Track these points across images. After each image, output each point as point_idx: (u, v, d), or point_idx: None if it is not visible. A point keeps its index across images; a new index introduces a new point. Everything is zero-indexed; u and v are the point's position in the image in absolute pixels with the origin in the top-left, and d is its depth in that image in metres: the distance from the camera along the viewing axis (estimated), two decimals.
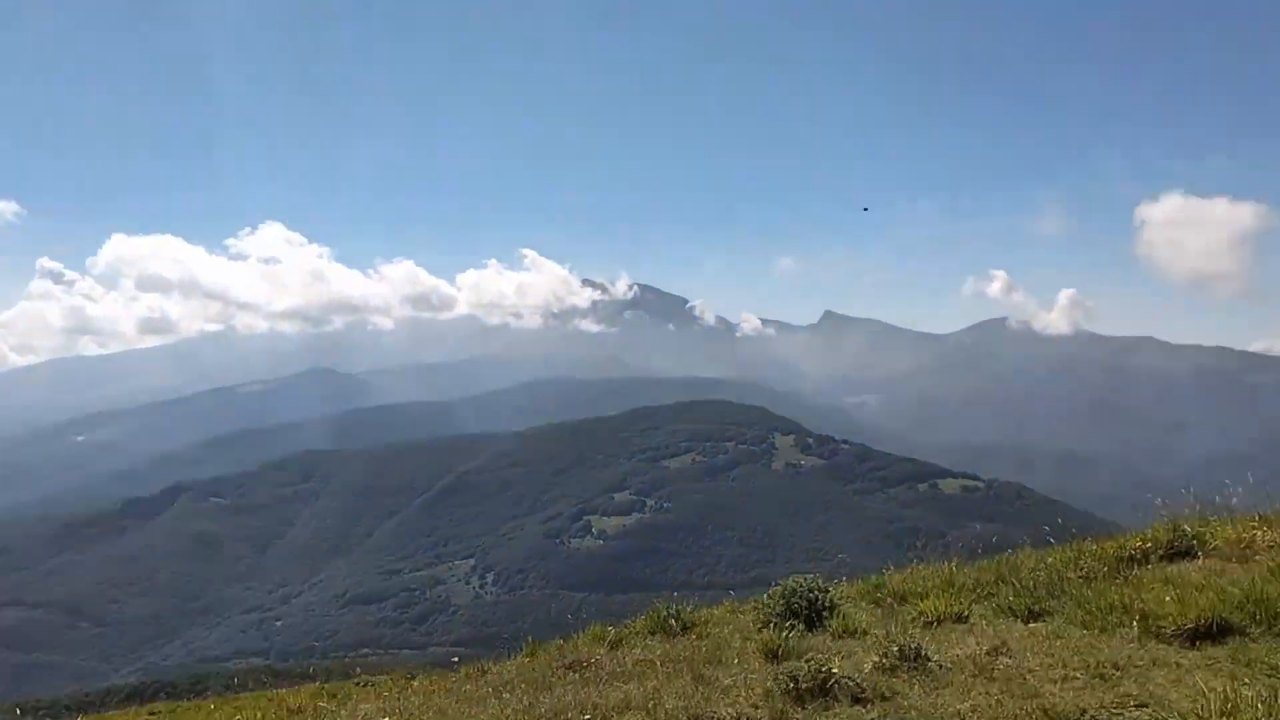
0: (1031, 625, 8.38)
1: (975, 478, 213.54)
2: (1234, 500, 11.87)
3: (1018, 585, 9.49)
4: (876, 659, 7.52)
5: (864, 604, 11.32)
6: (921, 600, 9.90)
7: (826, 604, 10.32)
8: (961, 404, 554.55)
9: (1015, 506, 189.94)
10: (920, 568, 12.59)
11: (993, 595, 9.79)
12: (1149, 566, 10.05)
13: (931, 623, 9.13)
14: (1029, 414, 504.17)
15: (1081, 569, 10.09)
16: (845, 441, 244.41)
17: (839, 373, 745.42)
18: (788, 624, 9.69)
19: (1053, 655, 7.30)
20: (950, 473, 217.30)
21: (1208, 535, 10.59)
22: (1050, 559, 11.20)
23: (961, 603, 9.40)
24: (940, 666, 7.28)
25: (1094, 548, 11.04)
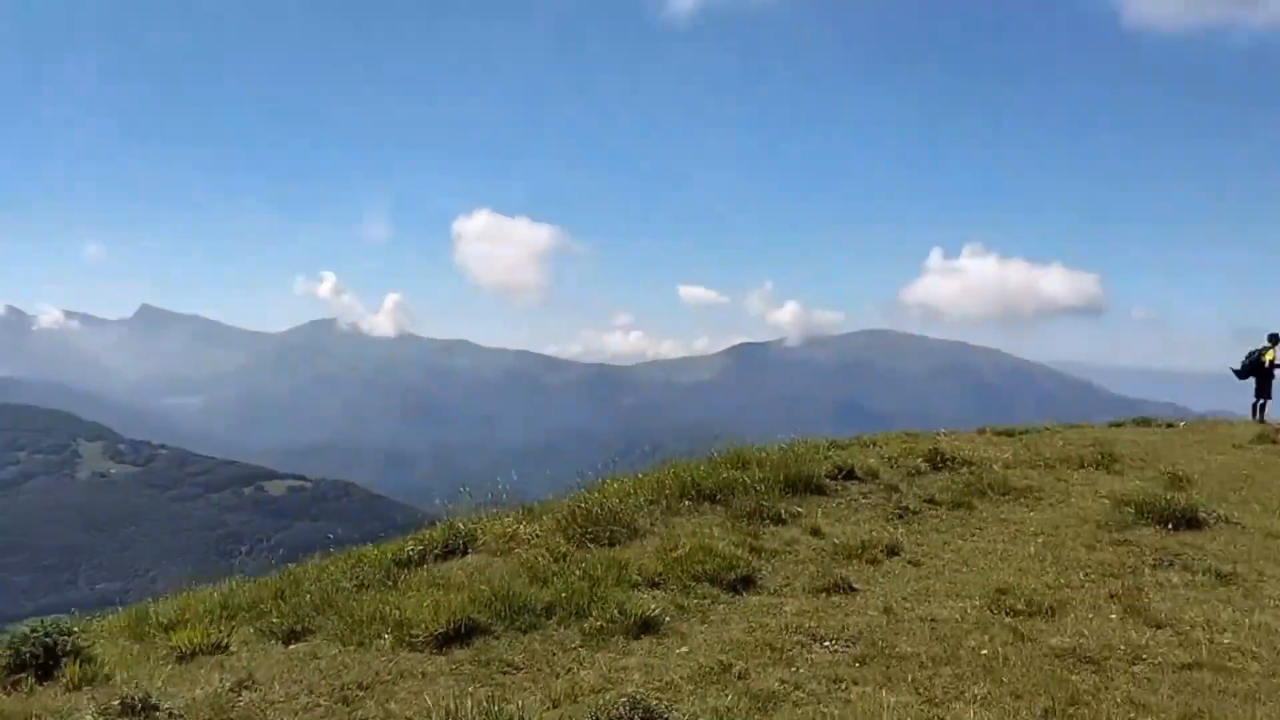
0: (292, 647, 7.80)
1: (302, 477, 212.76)
2: (504, 495, 12.66)
3: (284, 604, 8.86)
4: (91, 718, 6.28)
5: (125, 640, 9.82)
6: (181, 630, 8.77)
7: (68, 648, 8.65)
8: (291, 404, 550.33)
9: (342, 504, 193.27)
10: (194, 590, 11.42)
11: (265, 615, 9.04)
12: (423, 568, 10.14)
13: (186, 656, 8.07)
14: (357, 413, 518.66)
15: (358, 577, 9.83)
16: (163, 446, 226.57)
17: (158, 372, 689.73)
18: (13, 680, 7.91)
19: (302, 681, 6.79)
20: (277, 474, 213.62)
21: (479, 531, 11.05)
22: (332, 567, 10.83)
23: (223, 629, 8.50)
24: (172, 715, 6.31)
25: (374, 552, 10.92)
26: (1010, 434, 19.19)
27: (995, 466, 14.64)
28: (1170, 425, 21.33)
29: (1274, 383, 25.08)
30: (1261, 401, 24.97)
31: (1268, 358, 24.91)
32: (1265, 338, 24.93)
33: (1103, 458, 15.40)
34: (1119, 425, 21.90)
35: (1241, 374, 25.23)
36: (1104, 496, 12.63)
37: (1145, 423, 22.20)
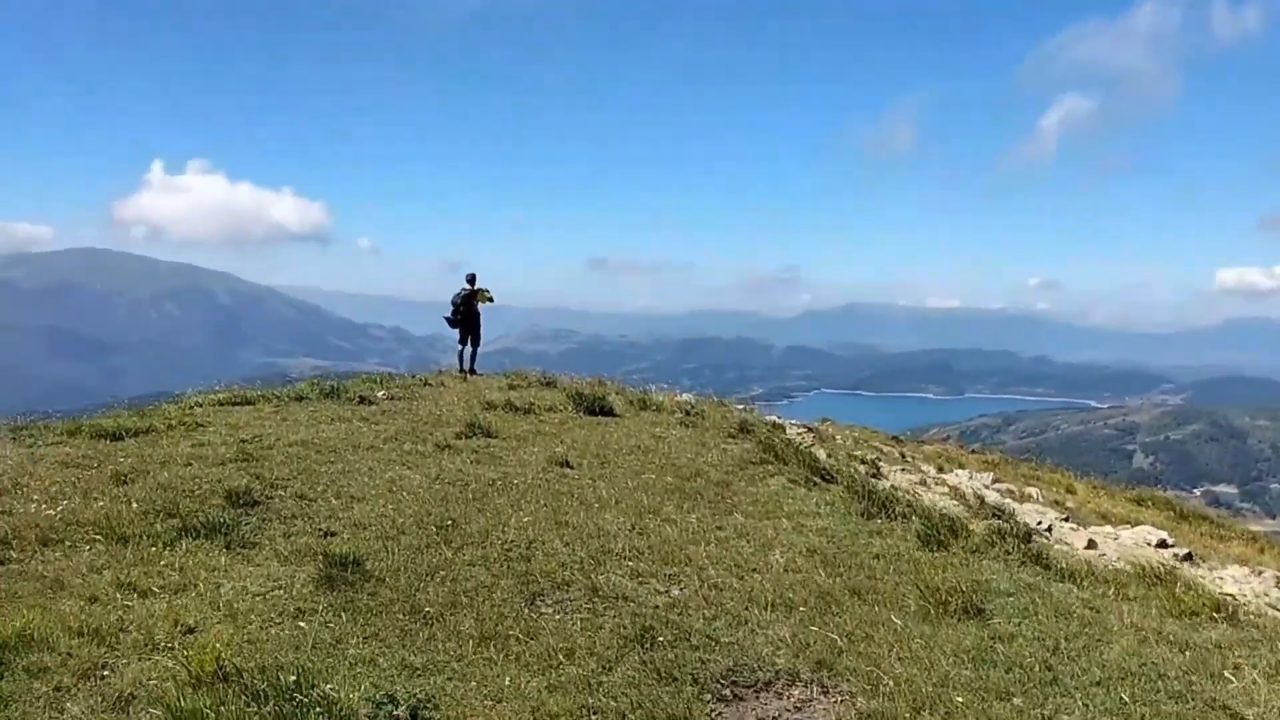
0: None
1: None
2: None
3: None
4: None
5: None
6: None
7: None
8: None
9: None
10: None
11: None
12: None
13: None
14: None
15: None
16: None
17: None
18: None
19: None
20: None
21: None
22: None
23: None
24: None
25: None
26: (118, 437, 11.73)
27: None
28: (365, 400, 15.72)
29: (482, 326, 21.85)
30: (471, 349, 21.43)
31: (483, 298, 21.39)
32: (464, 278, 21.41)
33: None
34: (301, 399, 15.74)
35: (454, 322, 21.45)
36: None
37: (335, 393, 16.28)
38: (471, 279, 21.20)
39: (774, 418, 23.63)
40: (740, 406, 22.34)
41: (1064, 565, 9.28)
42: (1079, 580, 8.85)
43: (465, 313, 21.19)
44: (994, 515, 12.37)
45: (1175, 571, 9.77)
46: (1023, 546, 9.71)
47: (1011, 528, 11.26)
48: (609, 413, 15.74)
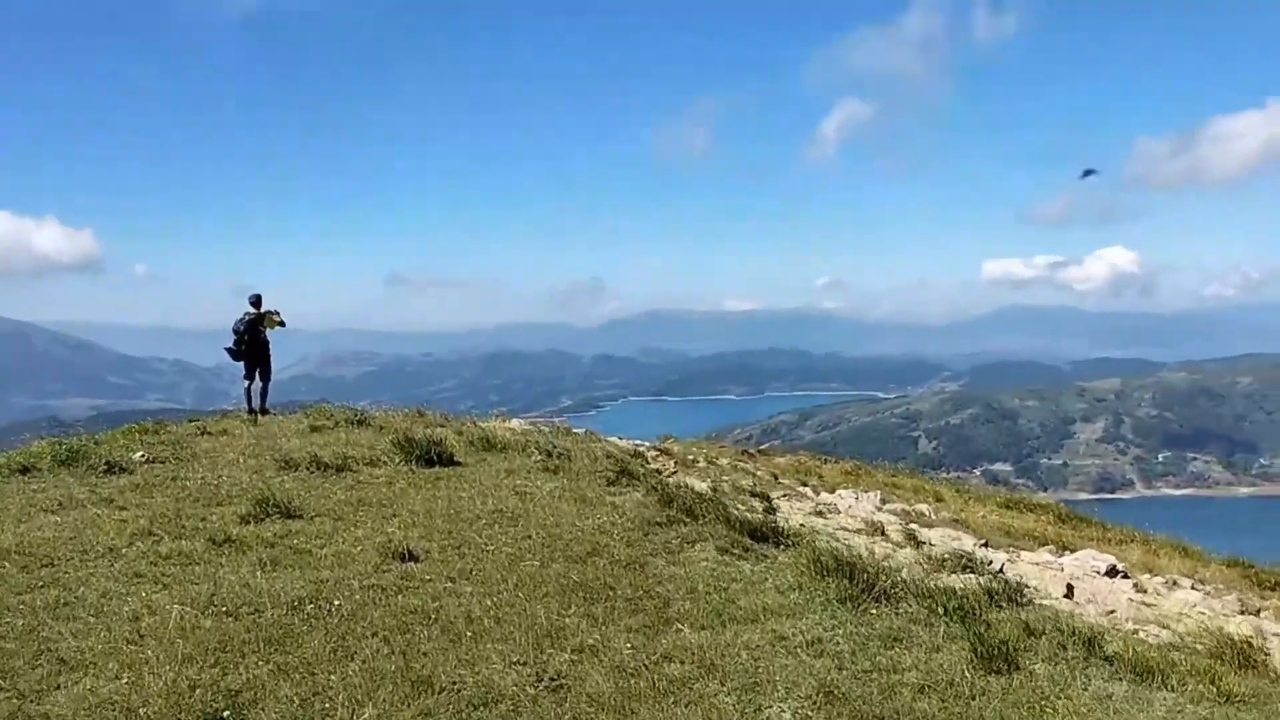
0: None
1: None
2: None
3: None
4: None
5: None
6: None
7: None
8: None
9: None
10: None
11: None
12: None
13: None
14: None
15: None
16: None
17: None
18: None
19: None
20: None
21: None
22: None
23: None
24: None
25: None
26: None
27: None
28: (115, 468, 11.50)
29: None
30: (260, 385, 17.57)
31: (272, 323, 17.61)
32: (248, 301, 17.64)
33: None
34: (26, 470, 11.34)
35: (237, 353, 17.53)
36: None
37: (75, 458, 11.94)
38: (256, 301, 17.29)
39: (619, 440, 20.83)
40: (557, 421, 19.63)
41: (1131, 656, 6.68)
42: (1166, 681, 6.26)
43: (251, 341, 17.26)
44: (964, 567, 9.82)
45: (1251, 643, 7.43)
46: (1082, 642, 7.02)
47: (1002, 588, 8.68)
48: (449, 461, 12.22)
